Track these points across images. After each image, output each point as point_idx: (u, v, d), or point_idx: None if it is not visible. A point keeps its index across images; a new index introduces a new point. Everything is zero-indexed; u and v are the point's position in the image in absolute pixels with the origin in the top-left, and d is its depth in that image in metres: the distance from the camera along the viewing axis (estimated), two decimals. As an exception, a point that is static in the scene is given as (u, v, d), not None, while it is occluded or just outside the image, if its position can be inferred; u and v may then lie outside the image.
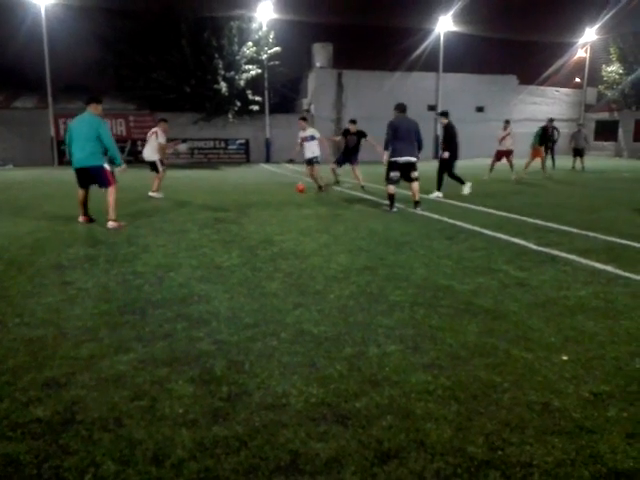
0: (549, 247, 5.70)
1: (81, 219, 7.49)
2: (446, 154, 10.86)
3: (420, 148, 8.75)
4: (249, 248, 5.74)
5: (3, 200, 10.54)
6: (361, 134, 12.45)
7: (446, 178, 10.90)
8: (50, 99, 24.40)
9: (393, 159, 8.46)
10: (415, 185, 8.63)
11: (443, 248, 5.71)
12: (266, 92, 26.78)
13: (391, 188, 8.58)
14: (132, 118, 25.83)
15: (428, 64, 30.85)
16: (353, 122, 12.79)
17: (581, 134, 18.70)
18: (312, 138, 12.05)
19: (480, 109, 32.47)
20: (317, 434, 2.11)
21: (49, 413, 2.28)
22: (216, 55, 24.32)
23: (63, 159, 24.85)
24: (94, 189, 7.53)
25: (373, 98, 29.33)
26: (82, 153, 7.11)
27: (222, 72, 24.53)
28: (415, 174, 8.58)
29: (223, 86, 24.39)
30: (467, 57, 36.53)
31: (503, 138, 14.95)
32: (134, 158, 25.89)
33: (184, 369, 2.73)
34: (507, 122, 15.25)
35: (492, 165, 15.28)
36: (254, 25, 25.91)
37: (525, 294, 4.02)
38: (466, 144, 32.51)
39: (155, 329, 3.30)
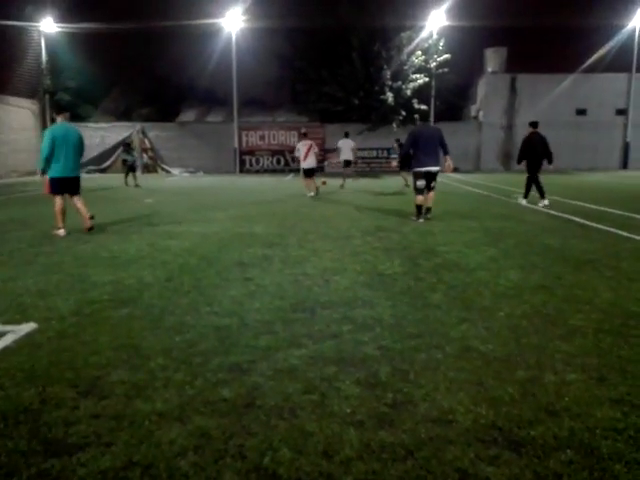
0: None
1: (62, 232, 7.28)
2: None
3: (445, 153, 8.55)
4: (411, 257, 5.72)
5: (196, 203, 12.05)
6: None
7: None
8: (235, 114, 27.23)
9: (417, 169, 8.47)
10: (431, 194, 8.58)
11: (634, 270, 5.03)
12: (432, 100, 26.46)
13: (419, 198, 8.52)
14: (304, 130, 27.58)
15: (616, 64, 27.47)
16: None
17: None
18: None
19: (685, 113, 27.97)
20: (487, 457, 2.01)
21: (233, 395, 2.54)
22: (385, 66, 24.76)
23: (244, 167, 27.57)
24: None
25: (550, 103, 27.16)
26: (73, 164, 7.35)
27: (389, 82, 24.87)
28: (433, 184, 8.51)
29: (389, 96, 24.72)
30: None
31: None
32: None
33: (350, 370, 2.82)
34: None
35: None
36: (424, 34, 25.81)
37: None
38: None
39: (323, 328, 3.47)
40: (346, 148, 16.59)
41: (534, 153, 10.71)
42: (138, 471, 1.95)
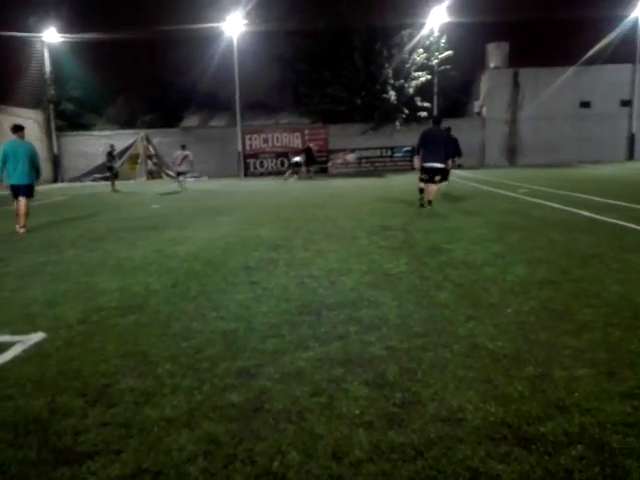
0: None
1: (21, 230, 8.64)
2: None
3: (448, 156, 10.20)
4: (416, 256, 5.70)
5: (202, 208, 12.09)
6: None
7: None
8: (238, 117, 27.29)
9: (422, 164, 9.98)
10: (432, 186, 9.86)
11: (643, 262, 4.99)
12: (435, 97, 26.39)
13: (420, 185, 10.17)
14: (307, 131, 27.58)
15: (620, 55, 27.26)
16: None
17: None
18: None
19: (690, 102, 27.69)
20: (498, 455, 2.00)
21: (242, 399, 2.54)
22: (386, 65, 24.75)
23: (248, 171, 27.63)
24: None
25: (554, 96, 27.04)
26: (24, 173, 8.68)
27: (391, 81, 24.85)
28: (436, 178, 9.82)
29: (392, 95, 24.70)
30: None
31: None
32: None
33: (358, 371, 2.81)
34: None
35: None
36: (425, 31, 25.76)
37: None
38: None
39: (330, 330, 3.47)
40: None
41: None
42: (148, 478, 1.96)
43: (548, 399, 2.42)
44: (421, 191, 10.09)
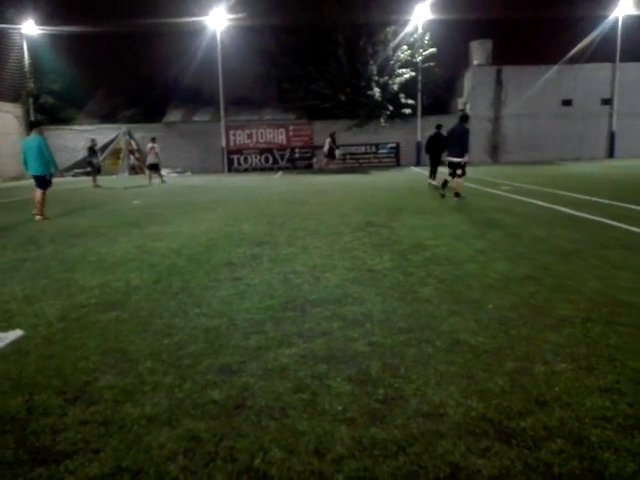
0: None
1: (37, 217, 9.54)
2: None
3: (464, 151, 10.65)
4: (400, 252, 5.72)
5: (184, 203, 11.97)
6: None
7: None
8: (222, 113, 27.06)
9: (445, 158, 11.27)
10: (456, 180, 10.73)
11: (621, 259, 5.07)
12: (419, 94, 26.48)
13: (448, 178, 11.18)
14: (292, 127, 27.46)
15: (601, 54, 27.60)
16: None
17: None
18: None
19: (669, 101, 28.17)
20: (478, 450, 2.02)
21: (223, 397, 2.52)
22: (370, 62, 24.73)
23: (232, 167, 27.47)
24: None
25: (536, 94, 27.31)
26: (33, 165, 9.65)
27: (376, 78, 24.86)
28: (458, 172, 10.67)
29: (376, 92, 24.70)
30: (652, 42, 31.76)
31: None
32: (292, 165, 27.60)
33: (341, 367, 2.81)
34: None
35: None
36: (409, 28, 25.81)
37: None
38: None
39: (313, 326, 3.46)
40: None
41: (437, 147, 13.78)
42: (127, 477, 1.93)
43: (528, 394, 2.45)
44: (444, 182, 11.13)
